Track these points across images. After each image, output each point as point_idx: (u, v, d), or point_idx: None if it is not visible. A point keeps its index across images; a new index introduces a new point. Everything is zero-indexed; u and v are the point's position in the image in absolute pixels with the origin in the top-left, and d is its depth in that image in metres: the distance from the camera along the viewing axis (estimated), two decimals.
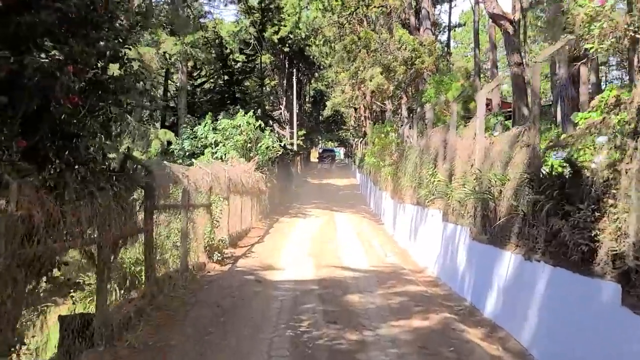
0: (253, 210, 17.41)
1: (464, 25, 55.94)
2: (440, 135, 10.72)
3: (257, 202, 18.23)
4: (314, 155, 71.98)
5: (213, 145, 19.23)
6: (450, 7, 43.22)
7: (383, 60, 18.80)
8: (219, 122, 19.62)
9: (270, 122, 34.97)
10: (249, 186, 16.30)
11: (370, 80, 19.00)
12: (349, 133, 70.84)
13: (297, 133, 40.42)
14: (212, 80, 32.21)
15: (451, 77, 17.28)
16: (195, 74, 32.05)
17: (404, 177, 13.88)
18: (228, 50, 32.79)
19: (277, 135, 35.95)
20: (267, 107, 38.17)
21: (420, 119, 15.30)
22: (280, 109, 42.61)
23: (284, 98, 42.64)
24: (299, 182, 39.99)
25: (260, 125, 19.88)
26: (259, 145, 20.42)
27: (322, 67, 53.09)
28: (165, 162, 10.17)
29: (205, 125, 19.94)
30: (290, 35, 40.42)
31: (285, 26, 39.47)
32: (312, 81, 57.79)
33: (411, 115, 19.73)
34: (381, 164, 16.72)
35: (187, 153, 19.77)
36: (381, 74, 18.95)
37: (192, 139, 19.95)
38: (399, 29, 19.75)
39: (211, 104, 26.94)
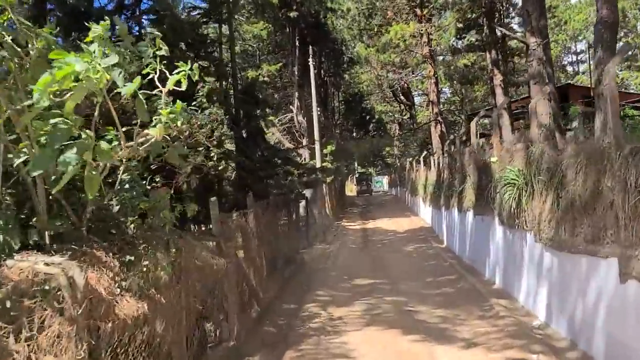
0: None
1: None
2: None
3: None
4: (349, 189, 55.35)
5: None
6: None
7: None
8: None
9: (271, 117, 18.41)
10: None
11: None
12: (394, 153, 54.23)
13: (319, 148, 24.05)
14: None
15: None
16: None
17: None
18: None
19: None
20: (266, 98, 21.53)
21: None
22: (292, 110, 26.47)
23: (297, 95, 26.46)
24: (327, 229, 23.17)
25: None
26: None
27: (353, 59, 37.16)
28: None
29: None
30: None
31: None
32: (342, 87, 41.74)
33: None
34: None
35: None
36: None
37: None
38: None
39: None
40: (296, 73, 26.48)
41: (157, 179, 4.94)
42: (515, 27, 40.03)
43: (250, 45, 28.57)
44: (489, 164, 11.24)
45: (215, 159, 6.78)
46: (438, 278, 12.44)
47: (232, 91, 14.00)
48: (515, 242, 9.50)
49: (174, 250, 4.84)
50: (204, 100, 7.12)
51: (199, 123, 6.79)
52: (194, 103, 7.12)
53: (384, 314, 9.07)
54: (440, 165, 19.91)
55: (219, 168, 6.81)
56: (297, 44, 26.56)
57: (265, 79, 24.89)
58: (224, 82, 13.66)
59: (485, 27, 26.13)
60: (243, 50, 28.61)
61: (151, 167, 5.19)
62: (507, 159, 9.52)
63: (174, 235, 4.91)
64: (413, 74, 31.25)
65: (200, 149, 7.04)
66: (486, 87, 38.89)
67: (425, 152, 27.81)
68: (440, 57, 38.26)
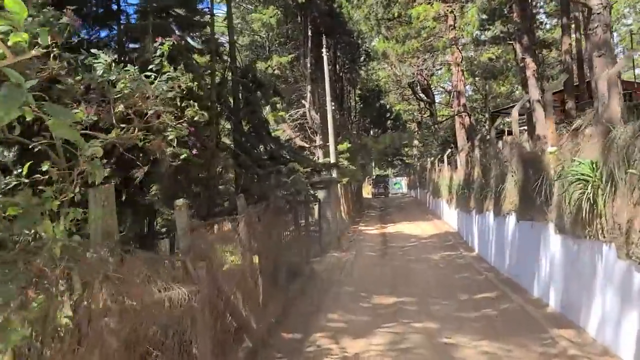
0: None
1: None
2: None
3: None
4: (366, 191, 53.17)
5: None
6: None
7: None
8: None
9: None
10: None
11: None
12: (413, 154, 52.06)
13: (334, 144, 21.97)
14: None
15: None
16: None
17: None
18: None
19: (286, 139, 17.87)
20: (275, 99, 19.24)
21: None
22: (303, 106, 24.46)
23: (309, 89, 24.41)
24: (342, 234, 21.12)
25: None
26: None
27: (370, 53, 35.15)
28: None
29: None
30: None
31: None
32: (358, 84, 39.66)
33: None
34: None
35: None
36: None
37: None
38: None
39: None
40: (309, 65, 24.48)
41: (44, 169, 2.98)
42: (542, 17, 37.60)
43: (259, 36, 26.68)
44: (539, 157, 9.11)
45: (174, 142, 4.79)
46: (475, 296, 10.35)
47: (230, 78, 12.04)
48: (582, 255, 7.37)
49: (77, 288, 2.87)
50: (164, 62, 5.14)
51: (156, 95, 4.83)
52: (150, 67, 5.16)
53: (414, 350, 7.00)
54: (470, 162, 17.76)
55: (181, 157, 4.88)
56: (309, 34, 24.56)
57: (276, 71, 22.93)
58: (221, 70, 11.74)
59: (514, 15, 23.86)
60: (252, 42, 26.79)
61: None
62: (571, 149, 7.39)
63: (77, 262, 2.93)
64: (435, 64, 28.96)
65: (168, 133, 5.07)
66: (514, 80, 36.55)
67: (449, 151, 25.64)
68: (463, 53, 36.10)
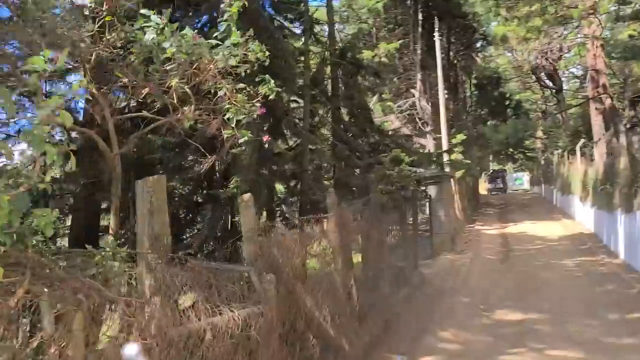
0: None
1: None
2: None
3: None
4: (482, 187, 49.73)
5: None
6: None
7: None
8: None
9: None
10: None
11: None
12: (536, 147, 47.69)
13: (447, 136, 20.02)
14: None
15: None
16: None
17: None
18: None
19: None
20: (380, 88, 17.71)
21: None
22: (413, 95, 22.73)
23: (419, 77, 22.62)
24: (457, 234, 19.20)
25: None
26: None
27: (487, 38, 32.36)
28: None
29: None
30: None
31: None
32: (474, 72, 36.89)
33: None
34: None
35: None
36: None
37: None
38: None
39: None
40: (419, 52, 22.74)
41: None
42: None
43: (366, 23, 25.44)
44: None
45: (232, 123, 3.78)
46: (628, 315, 8.27)
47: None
48: None
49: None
50: (233, 28, 4.14)
51: (219, 65, 3.86)
52: (215, 34, 4.20)
53: None
54: (612, 153, 15.06)
55: (236, 147, 3.88)
56: (419, 18, 22.81)
57: (383, 59, 21.56)
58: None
59: None
60: (358, 30, 25.64)
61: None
62: None
63: (50, 285, 1.96)
64: (565, 43, 25.41)
65: (229, 114, 4.09)
66: None
67: (581, 141, 22.47)
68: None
